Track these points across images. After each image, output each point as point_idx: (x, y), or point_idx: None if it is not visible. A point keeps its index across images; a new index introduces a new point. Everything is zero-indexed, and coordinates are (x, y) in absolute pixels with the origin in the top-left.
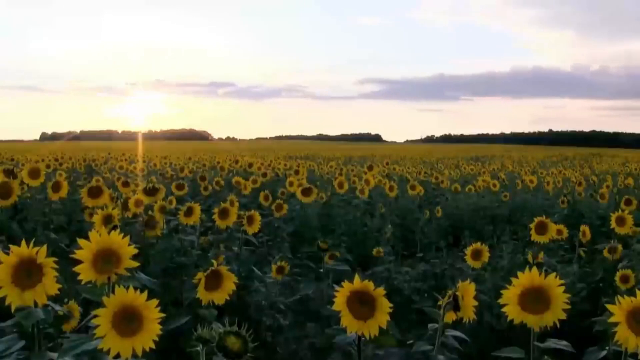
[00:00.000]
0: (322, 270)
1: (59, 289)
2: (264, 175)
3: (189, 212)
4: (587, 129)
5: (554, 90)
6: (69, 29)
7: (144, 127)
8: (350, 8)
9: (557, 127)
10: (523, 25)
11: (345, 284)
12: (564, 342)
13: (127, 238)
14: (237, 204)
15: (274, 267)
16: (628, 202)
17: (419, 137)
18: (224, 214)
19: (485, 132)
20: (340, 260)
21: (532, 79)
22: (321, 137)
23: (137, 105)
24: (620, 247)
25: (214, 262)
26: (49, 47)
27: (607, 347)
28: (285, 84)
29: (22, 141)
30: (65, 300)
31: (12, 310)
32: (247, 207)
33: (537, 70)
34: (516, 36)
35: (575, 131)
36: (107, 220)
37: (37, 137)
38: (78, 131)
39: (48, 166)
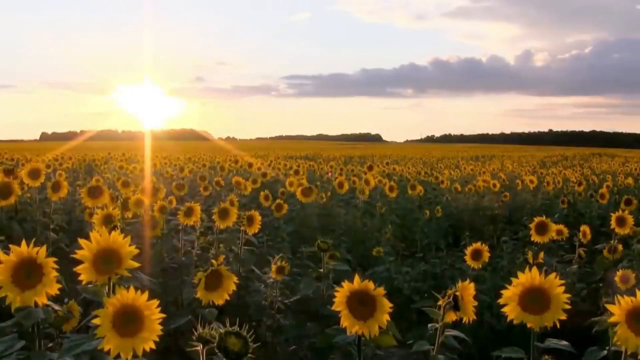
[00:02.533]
0: (322, 270)
1: (59, 289)
2: (264, 175)
3: (189, 212)
4: (587, 128)
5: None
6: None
7: (144, 127)
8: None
9: (556, 127)
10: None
11: (345, 284)
12: (564, 342)
13: (128, 238)
14: (237, 204)
15: (274, 267)
16: (628, 202)
17: (419, 137)
18: (224, 214)
19: (485, 132)
20: (340, 260)
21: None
22: (321, 137)
23: (137, 105)
24: (620, 247)
25: (214, 262)
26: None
27: (607, 347)
28: (213, 80)
29: (22, 141)
30: (65, 300)
31: (12, 310)
32: (247, 207)
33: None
34: (453, 30)
35: (575, 131)
36: (107, 220)
37: (37, 137)
38: (79, 130)
39: (48, 166)
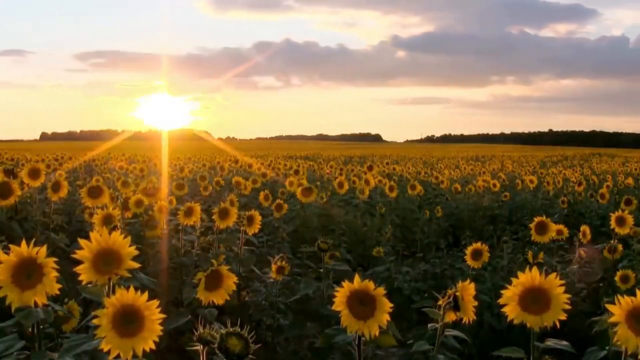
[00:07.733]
0: (322, 270)
1: (59, 289)
2: (264, 175)
3: (189, 212)
4: (587, 128)
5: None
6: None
7: (144, 127)
8: None
9: (556, 127)
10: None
11: (346, 284)
12: (564, 342)
13: (128, 238)
14: (237, 204)
15: (274, 267)
16: (628, 202)
17: (419, 137)
18: (224, 214)
19: (485, 132)
20: (340, 260)
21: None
22: (321, 137)
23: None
24: (620, 247)
25: (214, 262)
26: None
27: (607, 347)
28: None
29: (22, 141)
30: (65, 300)
31: (12, 310)
32: (247, 207)
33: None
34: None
35: (575, 131)
36: (107, 220)
37: (37, 137)
38: (79, 131)
39: (48, 166)
